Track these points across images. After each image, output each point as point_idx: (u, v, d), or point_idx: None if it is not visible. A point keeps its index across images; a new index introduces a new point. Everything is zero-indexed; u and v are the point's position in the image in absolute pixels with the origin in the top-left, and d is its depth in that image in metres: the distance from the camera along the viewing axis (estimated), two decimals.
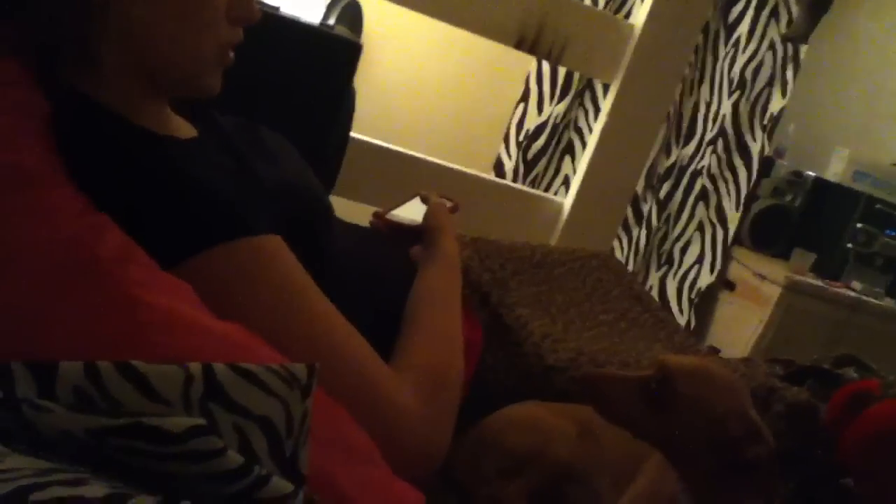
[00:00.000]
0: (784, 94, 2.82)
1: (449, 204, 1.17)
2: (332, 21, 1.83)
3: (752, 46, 2.76)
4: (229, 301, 0.72)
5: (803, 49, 2.78)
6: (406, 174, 1.92)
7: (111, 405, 0.47)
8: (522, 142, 2.81)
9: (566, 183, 2.83)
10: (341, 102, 1.57)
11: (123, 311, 0.59)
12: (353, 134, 1.76)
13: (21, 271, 0.61)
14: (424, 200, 1.16)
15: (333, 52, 1.54)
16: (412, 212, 1.15)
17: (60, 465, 0.43)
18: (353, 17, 1.90)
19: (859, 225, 2.85)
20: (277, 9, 1.59)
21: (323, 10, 1.70)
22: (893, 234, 2.90)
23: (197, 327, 0.62)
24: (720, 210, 2.90)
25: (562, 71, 2.73)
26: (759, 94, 2.83)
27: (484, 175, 2.16)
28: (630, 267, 2.96)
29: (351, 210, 1.49)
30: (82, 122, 0.77)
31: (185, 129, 0.91)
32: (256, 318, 0.72)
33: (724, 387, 0.84)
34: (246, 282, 0.74)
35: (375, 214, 1.19)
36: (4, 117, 0.72)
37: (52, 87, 0.78)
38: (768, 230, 2.93)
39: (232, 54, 0.88)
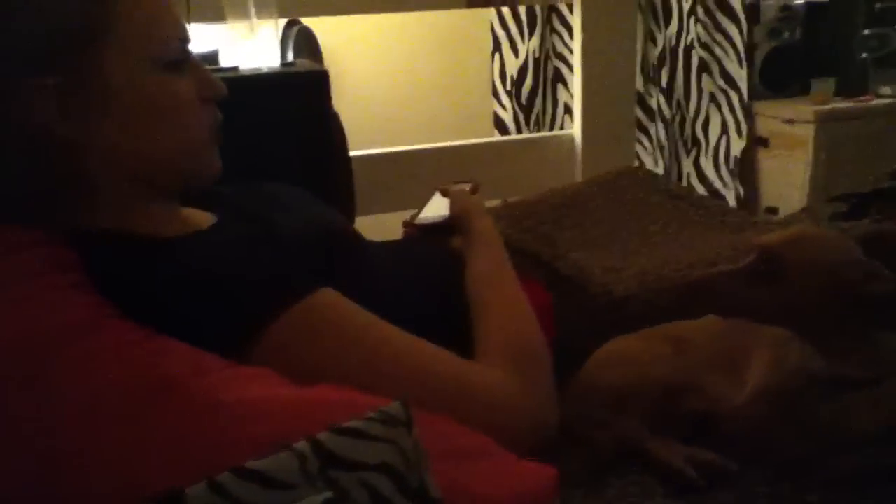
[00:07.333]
0: None
1: (468, 186, 1.18)
2: (290, 57, 1.85)
3: None
4: (308, 366, 0.75)
5: None
6: (414, 169, 1.94)
7: None
8: (511, 90, 2.80)
9: (569, 112, 2.81)
10: (328, 130, 1.59)
11: (216, 418, 0.62)
12: (352, 153, 1.78)
13: (109, 411, 0.65)
14: (444, 193, 1.17)
15: (304, 88, 1.56)
16: (438, 208, 1.17)
17: None
18: (309, 44, 1.91)
19: (866, 31, 2.76)
20: (236, 68, 1.61)
21: (278, 49, 1.71)
22: None
23: (289, 404, 0.65)
24: (725, 74, 2.83)
25: (522, 7, 2.70)
26: None
27: (487, 139, 2.17)
28: (660, 164, 2.92)
29: (381, 224, 1.51)
30: (102, 256, 0.80)
31: (203, 219, 0.93)
32: (339, 371, 0.75)
33: (825, 242, 0.87)
34: (315, 343, 0.77)
35: (405, 224, 1.21)
36: (43, 279, 0.75)
37: (65, 233, 0.81)
38: (779, 74, 2.86)
39: (218, 132, 0.90)
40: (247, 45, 1.61)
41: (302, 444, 0.54)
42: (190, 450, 0.61)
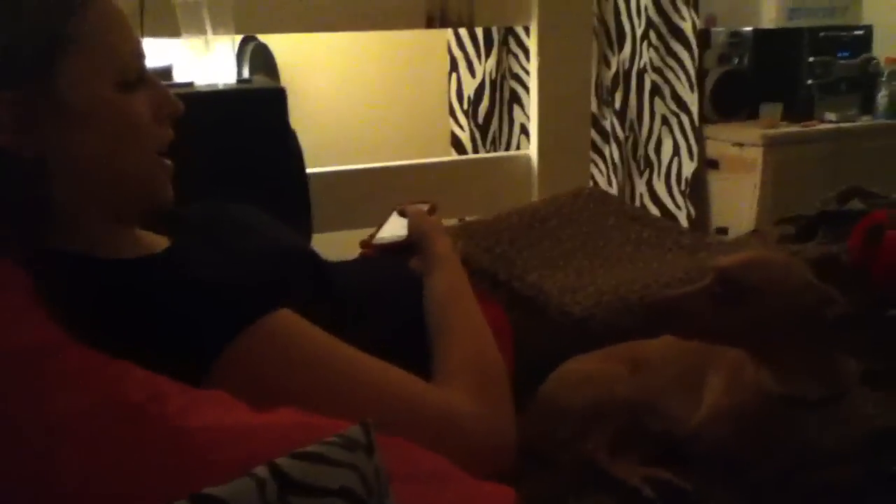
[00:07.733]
0: None
1: (426, 207, 1.18)
2: (246, 73, 1.83)
3: None
4: (264, 388, 0.74)
5: None
6: (372, 187, 1.93)
7: None
8: (468, 109, 2.81)
9: (525, 132, 2.83)
10: (286, 148, 1.58)
11: (174, 446, 0.60)
12: (309, 170, 1.76)
13: (69, 438, 0.62)
14: (402, 213, 1.17)
15: (261, 104, 1.54)
16: (395, 228, 1.16)
17: None
18: (265, 61, 1.90)
19: (811, 59, 2.85)
20: (191, 84, 1.59)
21: (234, 65, 1.69)
22: (846, 54, 2.91)
23: (247, 430, 0.63)
24: (677, 97, 2.90)
25: (479, 28, 2.73)
26: None
27: (444, 158, 2.17)
28: (614, 184, 2.97)
29: (337, 242, 1.50)
30: (57, 278, 0.78)
31: (158, 242, 0.91)
32: (297, 394, 0.74)
33: (781, 266, 0.88)
34: (271, 365, 0.76)
35: (362, 244, 1.20)
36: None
37: (17, 253, 0.78)
38: (728, 98, 2.93)
39: (166, 153, 0.88)
40: (202, 61, 1.59)
41: (261, 470, 0.53)
42: (149, 477, 0.59)
